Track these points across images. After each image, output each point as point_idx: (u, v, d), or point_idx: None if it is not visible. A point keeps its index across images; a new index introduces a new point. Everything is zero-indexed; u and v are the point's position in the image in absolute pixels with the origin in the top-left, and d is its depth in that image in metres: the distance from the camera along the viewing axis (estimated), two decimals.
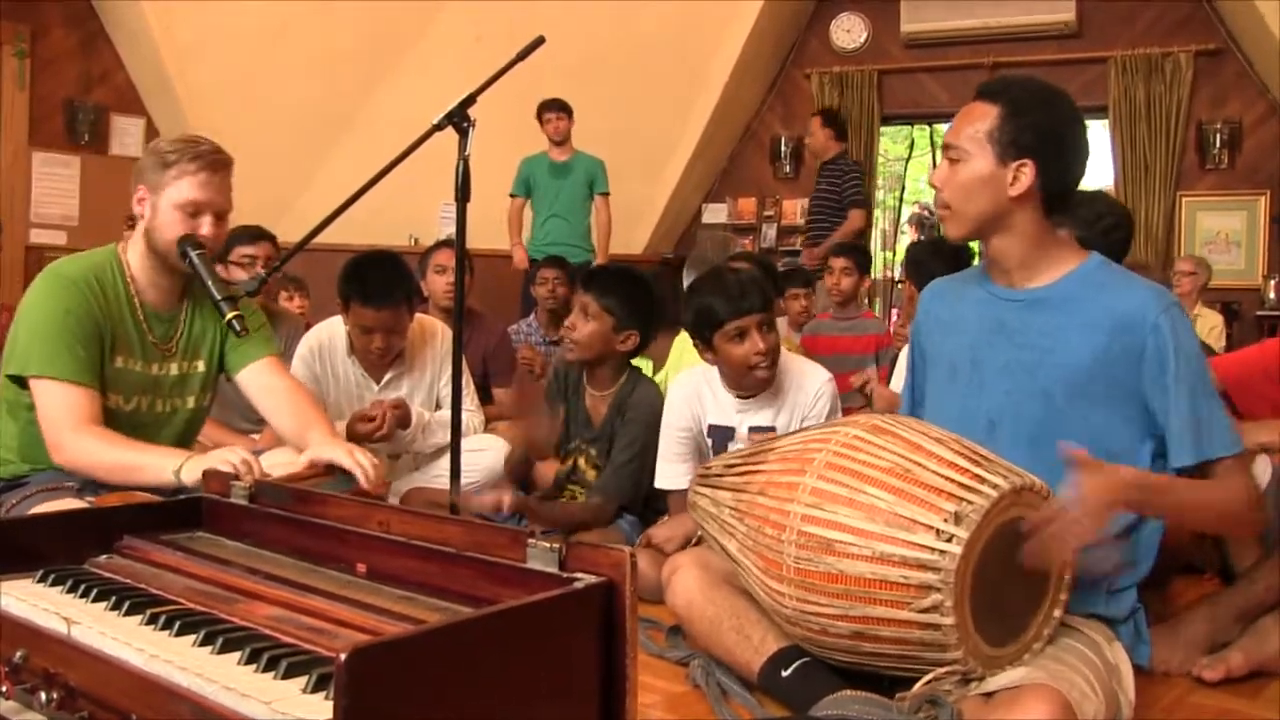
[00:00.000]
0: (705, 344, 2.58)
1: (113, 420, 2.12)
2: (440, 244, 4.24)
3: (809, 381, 2.66)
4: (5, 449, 2.15)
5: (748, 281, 2.58)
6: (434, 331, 3.27)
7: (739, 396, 2.64)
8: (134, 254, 2.19)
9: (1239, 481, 1.72)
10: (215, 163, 2.14)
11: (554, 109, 5.86)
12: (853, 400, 3.95)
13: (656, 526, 2.65)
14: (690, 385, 2.69)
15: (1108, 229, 2.52)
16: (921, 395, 2.04)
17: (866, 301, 5.82)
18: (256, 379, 2.30)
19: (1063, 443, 1.55)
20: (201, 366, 2.28)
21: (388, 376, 3.19)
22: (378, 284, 2.99)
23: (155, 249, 2.15)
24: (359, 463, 2.03)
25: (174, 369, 2.24)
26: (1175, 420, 1.71)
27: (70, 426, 2.02)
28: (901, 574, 1.51)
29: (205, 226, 2.12)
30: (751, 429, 2.63)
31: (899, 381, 3.65)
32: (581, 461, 2.98)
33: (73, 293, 2.07)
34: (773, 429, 2.61)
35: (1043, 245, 1.81)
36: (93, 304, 2.09)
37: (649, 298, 2.95)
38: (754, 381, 2.57)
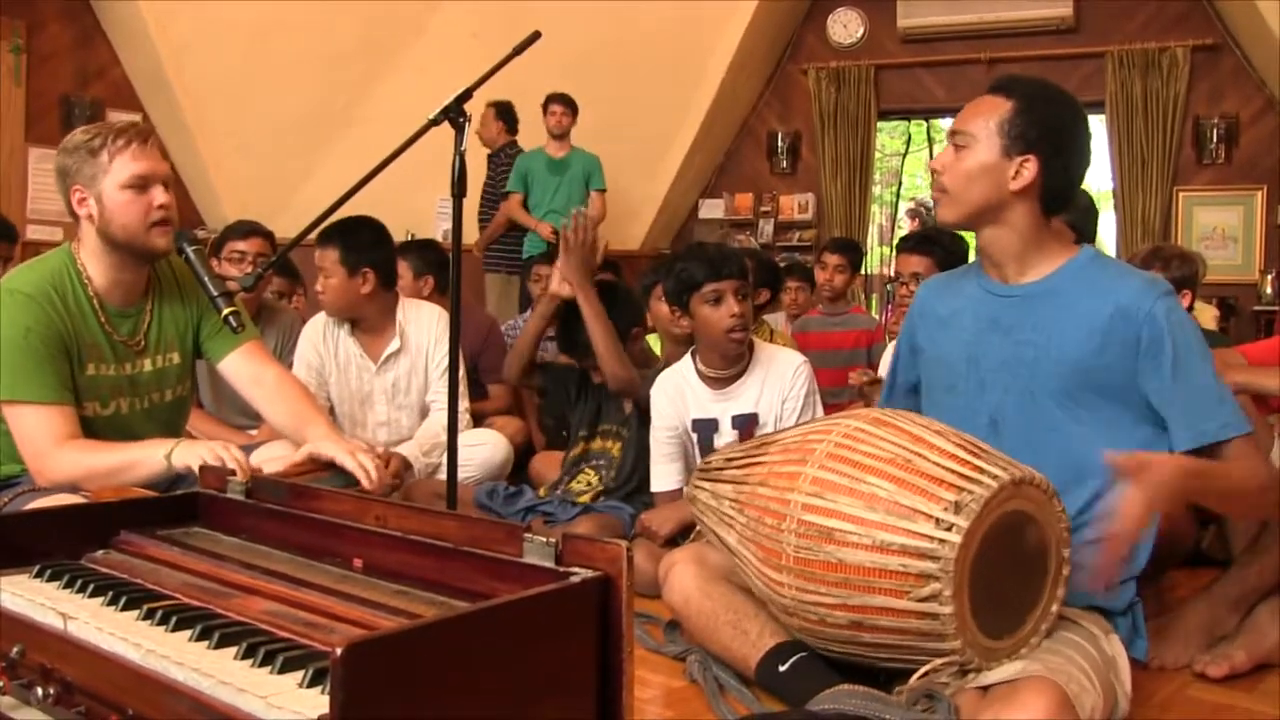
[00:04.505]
0: (683, 308, 2.63)
1: (94, 427, 2.09)
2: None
3: (783, 363, 2.70)
4: None
5: (728, 251, 2.69)
6: (430, 315, 3.30)
7: (716, 386, 2.67)
8: (89, 254, 2.13)
9: (1255, 463, 1.73)
10: (140, 133, 2.11)
11: (560, 102, 5.86)
12: (840, 396, 3.95)
13: (650, 512, 2.68)
14: (671, 385, 2.72)
15: (1085, 208, 2.73)
16: (905, 387, 2.05)
17: (861, 297, 5.83)
18: (242, 369, 2.28)
19: (1107, 452, 1.55)
20: (177, 358, 2.25)
21: (385, 354, 3.21)
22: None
23: (117, 241, 2.09)
24: (361, 464, 2.03)
25: (148, 364, 2.20)
26: (1174, 404, 1.72)
27: (49, 448, 2.00)
28: (901, 562, 1.52)
29: (159, 197, 2.08)
30: (734, 417, 2.65)
31: (884, 371, 3.66)
32: (608, 443, 3.09)
33: (32, 309, 2.02)
34: (754, 415, 2.63)
35: (1036, 240, 1.82)
36: (53, 316, 2.04)
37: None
38: (729, 346, 2.60)
